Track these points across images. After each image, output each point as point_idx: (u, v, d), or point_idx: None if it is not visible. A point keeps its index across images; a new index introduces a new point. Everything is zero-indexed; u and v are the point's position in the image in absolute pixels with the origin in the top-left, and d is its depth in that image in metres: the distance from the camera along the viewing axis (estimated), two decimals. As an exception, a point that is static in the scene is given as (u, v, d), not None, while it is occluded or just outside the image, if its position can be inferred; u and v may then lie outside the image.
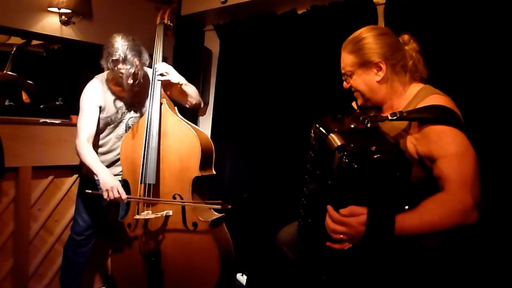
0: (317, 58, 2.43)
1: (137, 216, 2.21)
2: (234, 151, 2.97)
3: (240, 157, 2.93)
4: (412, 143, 1.37)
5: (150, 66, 2.36)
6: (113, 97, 2.37)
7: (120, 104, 2.39)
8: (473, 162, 1.26)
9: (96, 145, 2.45)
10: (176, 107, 2.42)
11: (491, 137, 1.73)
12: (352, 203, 1.20)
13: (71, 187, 2.78)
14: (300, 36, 2.53)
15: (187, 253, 2.19)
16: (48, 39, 2.93)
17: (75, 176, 2.76)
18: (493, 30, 1.76)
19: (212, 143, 2.36)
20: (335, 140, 1.24)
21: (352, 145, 1.19)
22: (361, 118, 1.35)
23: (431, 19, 1.95)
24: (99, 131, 2.43)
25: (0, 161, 2.37)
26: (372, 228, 1.16)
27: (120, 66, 2.16)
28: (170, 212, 2.21)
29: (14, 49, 3.19)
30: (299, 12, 2.56)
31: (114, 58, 2.15)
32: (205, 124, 3.26)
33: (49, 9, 2.69)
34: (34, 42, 3.33)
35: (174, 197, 2.22)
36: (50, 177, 2.68)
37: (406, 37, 1.51)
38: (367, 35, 1.46)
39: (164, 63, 2.33)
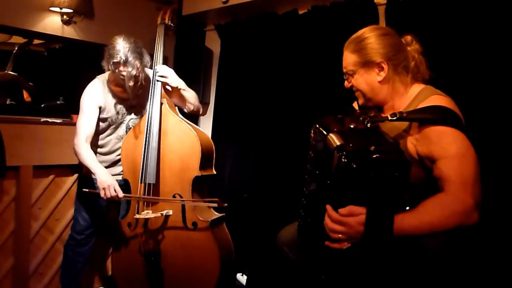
0: (318, 58, 2.43)
1: (137, 216, 2.22)
2: (234, 151, 2.97)
3: (241, 157, 2.93)
4: (413, 144, 1.36)
5: (151, 67, 2.36)
6: (113, 98, 2.37)
7: (120, 105, 2.39)
8: (473, 163, 1.25)
9: (97, 146, 2.46)
10: (177, 107, 2.42)
11: (492, 137, 1.73)
12: (351, 203, 1.20)
13: (71, 186, 2.79)
14: (301, 36, 2.53)
15: (187, 253, 2.19)
16: (50, 38, 2.93)
17: (76, 175, 2.77)
18: (495, 30, 1.76)
19: (212, 143, 2.36)
20: (334, 140, 1.24)
21: (351, 145, 1.20)
22: (361, 118, 1.35)
23: (433, 20, 1.95)
24: (100, 132, 2.44)
25: (1, 160, 2.38)
26: (371, 228, 1.16)
27: (121, 68, 2.16)
28: (170, 212, 2.21)
29: (16, 48, 3.19)
30: (300, 12, 2.56)
31: (115, 60, 2.14)
32: (206, 124, 3.26)
33: (51, 8, 2.70)
34: (36, 41, 3.33)
35: (174, 197, 2.22)
36: (51, 176, 2.68)
37: (408, 38, 1.51)
38: (370, 35, 1.46)
39: (164, 66, 2.32)
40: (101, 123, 2.42)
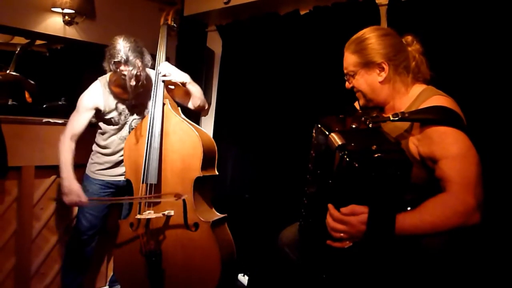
0: (320, 58, 2.42)
1: (139, 216, 2.22)
2: (236, 151, 2.97)
3: (242, 158, 2.93)
4: (414, 144, 1.36)
5: (153, 67, 2.36)
6: (115, 99, 2.37)
7: (122, 106, 2.40)
8: (475, 163, 1.26)
9: (101, 147, 2.47)
10: (179, 108, 2.43)
11: (493, 138, 1.72)
12: (353, 202, 1.20)
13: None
14: (303, 37, 2.53)
15: (189, 253, 2.20)
16: (51, 39, 2.94)
17: (78, 175, 2.76)
18: (496, 31, 1.76)
19: (214, 144, 2.36)
20: (336, 139, 1.24)
21: (353, 144, 1.20)
22: (362, 118, 1.35)
23: (434, 20, 1.95)
24: (103, 133, 2.45)
25: (3, 161, 2.38)
26: (373, 227, 1.16)
27: (122, 68, 2.17)
28: (172, 212, 2.22)
29: (18, 48, 3.20)
30: (302, 12, 2.56)
31: (116, 60, 2.15)
32: (207, 124, 3.26)
33: (53, 9, 2.70)
34: (37, 42, 3.34)
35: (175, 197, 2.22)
36: (53, 177, 2.68)
37: (409, 38, 1.51)
38: (370, 35, 1.46)
39: (166, 63, 2.33)
40: (104, 125, 2.43)
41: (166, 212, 2.21)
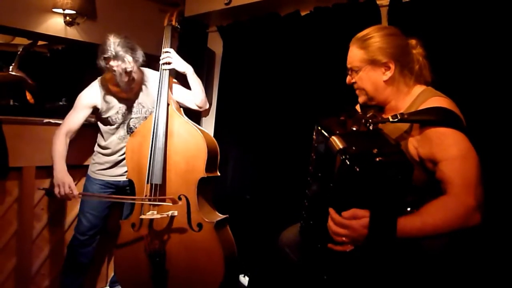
0: (321, 59, 2.42)
1: (143, 216, 2.22)
2: (236, 152, 2.97)
3: (243, 159, 2.93)
4: (414, 146, 1.37)
5: (147, 66, 2.37)
6: (112, 98, 2.38)
7: (120, 105, 2.40)
8: (475, 164, 1.26)
9: (101, 147, 2.48)
10: (182, 109, 2.44)
11: (492, 138, 1.72)
12: (354, 206, 1.20)
13: (74, 187, 2.79)
14: (304, 38, 2.53)
15: (192, 254, 2.20)
16: (53, 39, 2.94)
17: (79, 176, 2.77)
18: (496, 32, 1.76)
19: (217, 145, 2.37)
20: (337, 142, 1.24)
21: (354, 148, 1.20)
22: (363, 120, 1.35)
23: (435, 21, 1.94)
24: (102, 133, 2.46)
25: (4, 161, 2.39)
26: (375, 231, 1.16)
27: (112, 63, 2.19)
28: (176, 213, 2.22)
29: (21, 49, 3.21)
30: (303, 13, 2.56)
31: (105, 55, 2.19)
32: (208, 125, 3.26)
33: (54, 10, 2.70)
34: (39, 42, 3.34)
35: (179, 198, 2.23)
36: (54, 177, 2.69)
37: (413, 41, 1.52)
38: (379, 34, 1.46)
39: (171, 50, 2.35)
40: (102, 125, 2.44)
41: (169, 213, 2.21)
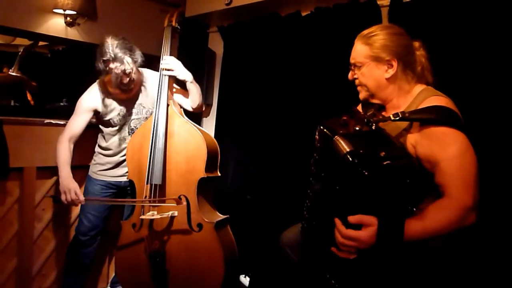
0: (321, 60, 2.43)
1: (143, 216, 2.22)
2: (237, 153, 2.97)
3: (244, 159, 2.93)
4: (412, 144, 1.37)
5: (147, 66, 2.37)
6: (112, 100, 2.38)
7: (120, 106, 2.40)
8: (473, 163, 1.28)
9: (102, 148, 2.48)
10: (182, 109, 2.43)
11: (491, 138, 1.73)
12: (360, 210, 1.20)
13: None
14: (304, 38, 2.53)
15: (192, 254, 2.19)
16: (53, 40, 2.94)
17: (80, 176, 2.77)
18: (497, 33, 1.76)
19: (217, 145, 2.37)
20: (343, 145, 1.23)
21: (361, 151, 1.19)
22: (365, 120, 1.35)
23: (436, 21, 1.95)
24: (104, 135, 2.45)
25: (5, 162, 2.39)
26: (383, 237, 1.16)
27: (111, 65, 2.19)
28: (176, 213, 2.22)
29: (22, 50, 3.21)
30: (303, 14, 2.56)
31: (104, 58, 2.18)
32: (209, 125, 3.27)
33: (54, 10, 2.70)
34: (39, 43, 3.34)
35: (180, 198, 2.22)
36: (54, 178, 2.68)
37: (417, 43, 1.53)
38: (385, 32, 1.47)
39: (172, 58, 2.35)
40: (104, 127, 2.44)
41: (170, 213, 2.21)
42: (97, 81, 2.41)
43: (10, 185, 2.51)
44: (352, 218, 1.21)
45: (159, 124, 2.26)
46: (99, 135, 2.51)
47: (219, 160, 2.37)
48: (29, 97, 3.19)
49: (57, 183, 2.68)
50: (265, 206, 2.70)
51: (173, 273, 2.23)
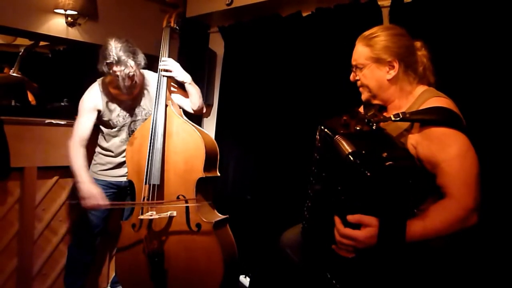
0: (322, 60, 2.43)
1: (141, 217, 2.22)
2: (237, 153, 2.97)
3: (244, 159, 2.93)
4: (413, 145, 1.37)
5: (148, 68, 2.37)
6: (113, 101, 2.38)
7: (120, 107, 2.40)
8: (475, 164, 1.27)
9: (103, 149, 2.48)
10: (181, 109, 2.43)
11: (493, 138, 1.73)
12: (361, 210, 1.20)
13: (75, 187, 2.79)
14: (305, 38, 2.53)
15: (191, 254, 2.20)
16: (54, 40, 2.94)
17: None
18: (497, 33, 1.76)
19: (216, 145, 2.37)
20: (345, 145, 1.22)
21: (363, 152, 1.18)
22: (366, 120, 1.35)
23: (436, 22, 1.95)
24: (105, 136, 2.45)
25: (6, 162, 2.39)
26: (384, 238, 1.16)
27: (114, 68, 2.18)
28: (174, 213, 2.22)
29: (22, 50, 3.21)
30: (304, 14, 2.56)
31: (108, 61, 2.17)
32: (209, 125, 3.27)
33: (55, 10, 2.71)
34: (40, 43, 3.34)
35: (178, 198, 2.22)
36: (55, 178, 2.69)
37: (419, 43, 1.53)
38: (386, 33, 1.47)
39: (171, 59, 2.34)
40: (104, 128, 2.44)
41: (168, 213, 2.21)
42: (98, 81, 2.41)
43: (10, 185, 2.52)
44: (351, 217, 1.20)
45: (157, 124, 2.26)
46: (100, 135, 2.51)
47: (218, 160, 2.37)
48: (30, 97, 3.19)
49: (58, 183, 2.70)
50: (265, 206, 2.70)
51: (172, 273, 2.23)
